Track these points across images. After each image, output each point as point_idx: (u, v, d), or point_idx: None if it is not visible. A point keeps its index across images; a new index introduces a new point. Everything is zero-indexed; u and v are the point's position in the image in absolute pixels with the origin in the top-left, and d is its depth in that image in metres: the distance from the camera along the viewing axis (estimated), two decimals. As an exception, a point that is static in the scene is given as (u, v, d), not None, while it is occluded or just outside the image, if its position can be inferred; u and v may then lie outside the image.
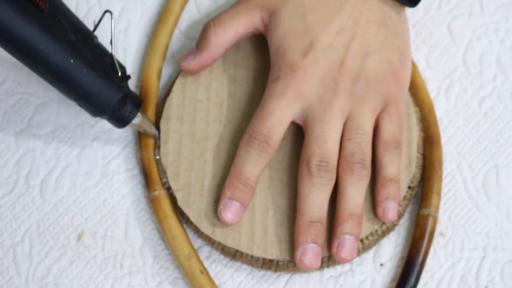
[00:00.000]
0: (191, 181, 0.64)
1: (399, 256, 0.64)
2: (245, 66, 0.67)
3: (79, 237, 0.65)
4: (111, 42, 0.61)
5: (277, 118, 0.62)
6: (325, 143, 0.61)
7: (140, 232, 0.65)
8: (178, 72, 0.67)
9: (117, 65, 0.61)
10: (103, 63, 0.61)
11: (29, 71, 0.68)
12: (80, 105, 0.61)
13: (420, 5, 0.69)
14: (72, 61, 0.59)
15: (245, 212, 0.63)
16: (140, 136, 0.66)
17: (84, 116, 0.67)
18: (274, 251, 0.62)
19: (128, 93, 0.62)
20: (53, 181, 0.66)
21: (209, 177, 0.64)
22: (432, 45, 0.70)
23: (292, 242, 0.62)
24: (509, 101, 0.68)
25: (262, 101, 0.63)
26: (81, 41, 0.60)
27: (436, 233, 0.65)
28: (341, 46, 0.63)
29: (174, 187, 0.64)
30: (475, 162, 0.67)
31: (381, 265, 0.64)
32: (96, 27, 0.62)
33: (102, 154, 0.67)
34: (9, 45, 0.58)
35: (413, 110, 0.66)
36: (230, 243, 0.62)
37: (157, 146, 0.65)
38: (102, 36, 0.63)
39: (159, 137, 0.65)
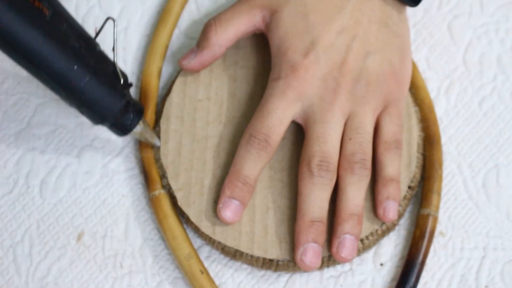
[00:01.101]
0: (191, 181, 0.64)
1: (399, 256, 0.64)
2: (245, 66, 0.67)
3: (79, 237, 0.65)
4: (113, 49, 0.61)
5: (277, 118, 0.62)
6: (326, 143, 0.61)
7: (140, 232, 0.65)
8: (178, 72, 0.67)
9: (119, 72, 0.61)
10: (106, 70, 0.60)
11: (29, 71, 0.68)
12: (82, 112, 0.61)
13: (420, 5, 0.69)
14: (75, 67, 0.58)
15: (246, 211, 0.63)
16: None
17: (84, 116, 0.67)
18: (274, 251, 0.62)
19: (130, 101, 0.61)
20: (53, 181, 0.66)
21: (209, 177, 0.64)
22: (432, 45, 0.70)
23: (292, 242, 0.62)
24: (509, 101, 0.68)
25: (262, 101, 0.63)
26: (84, 48, 0.59)
27: (436, 233, 0.65)
28: (342, 46, 0.63)
29: (174, 187, 0.64)
30: (475, 162, 0.67)
31: (381, 265, 0.64)
32: (97, 33, 0.61)
33: (102, 153, 0.67)
34: (12, 51, 0.57)
35: (413, 110, 0.66)
36: (230, 242, 0.62)
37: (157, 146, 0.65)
38: (103, 42, 0.63)
39: (160, 146, 0.65)
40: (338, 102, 0.62)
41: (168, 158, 0.65)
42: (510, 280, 0.64)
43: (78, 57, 0.58)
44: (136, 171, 0.66)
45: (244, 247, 0.62)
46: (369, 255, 0.64)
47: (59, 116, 0.68)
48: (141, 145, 0.66)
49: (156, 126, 0.66)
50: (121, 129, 0.62)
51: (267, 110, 0.62)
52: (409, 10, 0.69)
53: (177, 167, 0.64)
